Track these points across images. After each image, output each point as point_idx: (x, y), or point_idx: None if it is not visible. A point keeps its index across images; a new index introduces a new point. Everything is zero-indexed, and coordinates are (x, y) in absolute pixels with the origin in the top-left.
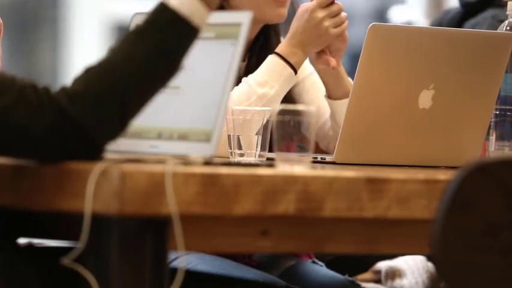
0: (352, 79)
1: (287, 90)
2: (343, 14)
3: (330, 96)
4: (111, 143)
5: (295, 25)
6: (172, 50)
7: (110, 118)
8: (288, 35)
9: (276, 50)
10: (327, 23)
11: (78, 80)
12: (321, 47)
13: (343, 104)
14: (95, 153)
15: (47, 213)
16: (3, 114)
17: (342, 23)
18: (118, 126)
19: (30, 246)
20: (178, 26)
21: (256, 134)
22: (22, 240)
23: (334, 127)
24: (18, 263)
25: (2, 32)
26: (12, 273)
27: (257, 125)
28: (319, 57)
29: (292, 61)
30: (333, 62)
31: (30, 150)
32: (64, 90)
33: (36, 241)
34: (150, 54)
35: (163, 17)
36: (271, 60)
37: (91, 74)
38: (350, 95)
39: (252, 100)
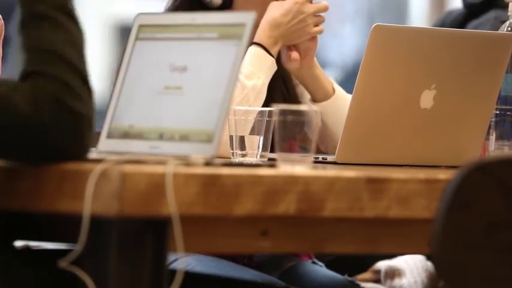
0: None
1: (270, 77)
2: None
3: (312, 99)
4: (93, 109)
5: (281, 15)
6: (63, 5)
7: (84, 92)
8: (271, 22)
9: (257, 40)
10: (310, 20)
11: (38, 76)
12: (296, 42)
13: (324, 106)
14: (91, 131)
15: (45, 215)
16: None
17: (321, 22)
18: (91, 94)
19: (27, 248)
20: None
21: (258, 135)
22: (19, 243)
23: (323, 130)
24: (16, 266)
25: (3, 32)
26: (10, 276)
27: (258, 125)
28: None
29: (272, 52)
30: (294, 54)
31: (34, 143)
32: (41, 83)
33: (34, 244)
34: (58, 21)
35: None
36: (254, 51)
37: (42, 67)
38: (352, 95)
39: (245, 93)
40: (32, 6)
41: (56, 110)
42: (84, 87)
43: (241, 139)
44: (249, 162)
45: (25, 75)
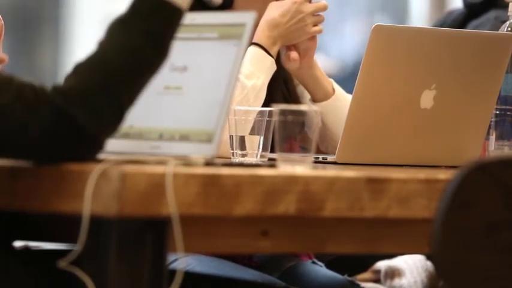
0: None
1: (270, 77)
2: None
3: (312, 99)
4: (110, 138)
5: (279, 15)
6: (158, 35)
7: (106, 112)
8: (270, 22)
9: (256, 41)
10: (309, 20)
11: (70, 78)
12: (295, 42)
13: (324, 106)
14: (95, 149)
15: (44, 215)
16: (0, 114)
17: (321, 22)
18: (115, 119)
19: (26, 249)
20: (162, 10)
21: (258, 135)
22: (18, 243)
23: (323, 130)
24: (15, 266)
25: (3, 32)
26: (9, 276)
27: (258, 125)
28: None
29: (272, 52)
30: (293, 54)
31: (28, 150)
32: (57, 88)
33: (33, 244)
34: (137, 42)
35: (145, 2)
36: (253, 51)
37: (82, 70)
38: (352, 95)
39: (245, 93)
40: (130, 16)
41: (55, 119)
42: (111, 107)
43: (241, 139)
44: (249, 162)
45: (73, 67)
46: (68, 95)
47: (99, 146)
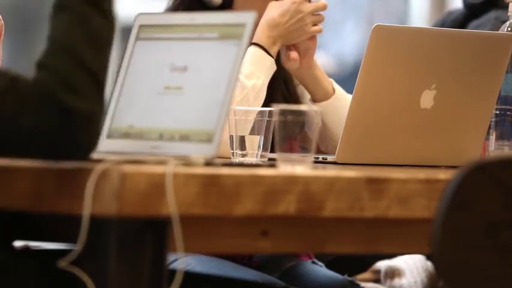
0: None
1: (270, 77)
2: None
3: (312, 99)
4: (101, 121)
5: (279, 15)
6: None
7: (86, 86)
8: (269, 22)
9: (256, 41)
10: (308, 19)
11: (39, 72)
12: (295, 41)
13: (324, 106)
14: (92, 133)
15: (45, 215)
16: None
17: (321, 21)
18: (97, 90)
19: (26, 249)
20: None
21: (258, 135)
22: (18, 243)
23: (323, 130)
24: (15, 266)
25: (3, 32)
26: (9, 276)
27: (258, 125)
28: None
29: (272, 52)
30: (293, 54)
31: (20, 143)
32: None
33: (33, 244)
34: (81, 13)
35: None
36: (253, 51)
37: (45, 61)
38: (352, 95)
39: (245, 93)
40: None
41: (46, 108)
42: (90, 82)
43: (241, 139)
44: (249, 162)
45: (35, 66)
46: (53, 79)
47: (94, 124)
